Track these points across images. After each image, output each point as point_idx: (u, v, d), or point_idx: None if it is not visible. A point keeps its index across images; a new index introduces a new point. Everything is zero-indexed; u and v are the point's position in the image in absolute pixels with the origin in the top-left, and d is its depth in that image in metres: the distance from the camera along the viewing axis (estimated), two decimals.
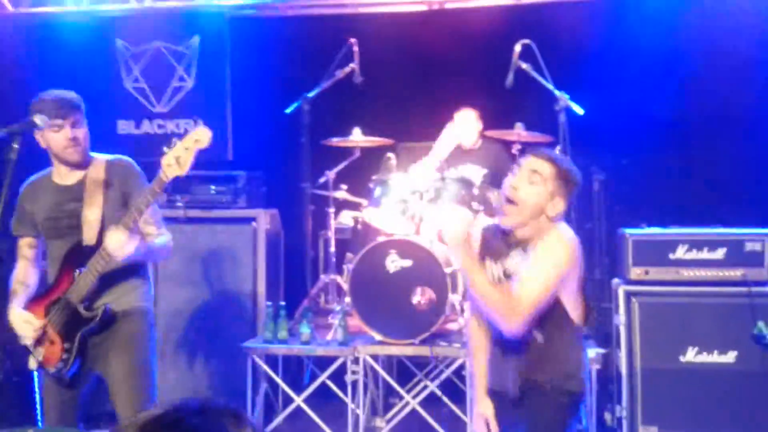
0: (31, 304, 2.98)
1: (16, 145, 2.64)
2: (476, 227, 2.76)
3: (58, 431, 2.94)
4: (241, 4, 5.89)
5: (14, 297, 2.98)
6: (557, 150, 4.58)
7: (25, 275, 3.05)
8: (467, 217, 2.48)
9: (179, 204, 5.06)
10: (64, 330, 2.92)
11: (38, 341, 2.91)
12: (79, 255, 2.91)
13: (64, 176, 3.03)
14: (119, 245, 2.76)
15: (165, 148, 2.72)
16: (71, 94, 2.98)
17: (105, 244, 2.79)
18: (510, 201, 2.55)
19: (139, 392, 2.95)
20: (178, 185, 5.11)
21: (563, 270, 2.49)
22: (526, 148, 4.97)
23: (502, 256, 2.60)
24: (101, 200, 2.95)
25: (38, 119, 2.78)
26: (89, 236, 2.92)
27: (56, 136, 2.92)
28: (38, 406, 3.09)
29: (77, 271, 2.90)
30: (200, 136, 2.70)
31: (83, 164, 2.99)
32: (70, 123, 2.92)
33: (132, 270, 3.01)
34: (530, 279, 2.47)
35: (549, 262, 2.48)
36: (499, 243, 2.63)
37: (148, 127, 6.10)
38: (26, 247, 3.08)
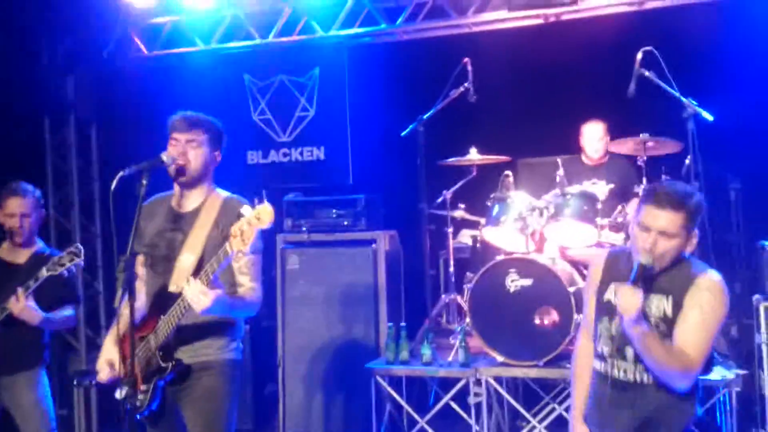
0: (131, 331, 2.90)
1: (144, 181, 2.73)
2: (598, 257, 2.76)
3: None
4: (358, 33, 6.04)
5: (115, 324, 2.95)
6: (687, 160, 4.35)
7: (136, 295, 3.00)
8: (640, 292, 2.46)
9: (303, 228, 5.23)
10: (144, 372, 2.89)
11: (127, 374, 2.77)
12: (165, 300, 2.86)
13: (180, 202, 3.01)
14: (196, 297, 2.70)
15: (243, 210, 2.63)
16: (205, 118, 2.98)
17: (183, 294, 2.74)
18: (651, 268, 2.51)
19: None
20: (301, 210, 5.31)
21: (722, 321, 2.54)
22: (651, 161, 4.79)
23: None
24: (203, 242, 2.90)
25: (165, 157, 2.86)
26: (177, 283, 2.83)
27: (171, 150, 2.91)
28: None
29: (161, 316, 2.87)
30: (263, 214, 2.58)
31: (190, 185, 2.96)
32: (185, 139, 2.91)
33: (215, 322, 2.91)
34: (703, 339, 2.49)
35: (713, 320, 2.51)
36: (627, 270, 2.56)
37: (274, 156, 6.38)
38: (140, 265, 3.04)
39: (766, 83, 4.99)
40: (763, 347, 3.76)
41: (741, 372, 3.89)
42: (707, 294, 2.49)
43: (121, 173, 2.72)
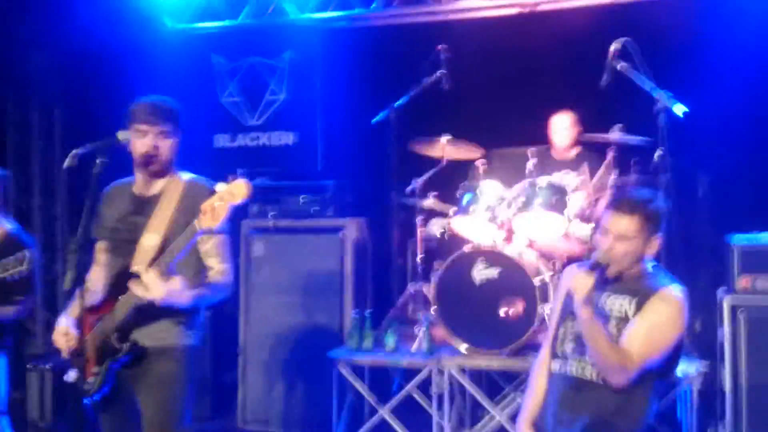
0: (87, 312, 2.85)
1: (100, 161, 2.68)
2: (570, 268, 2.85)
3: None
4: (332, 17, 5.95)
5: (72, 303, 2.90)
6: (657, 154, 4.33)
7: (94, 281, 2.98)
8: (592, 277, 2.54)
9: (270, 214, 5.14)
10: (97, 353, 2.82)
11: (78, 354, 2.79)
12: (125, 280, 2.79)
13: (142, 187, 2.98)
14: (150, 289, 2.67)
15: (217, 186, 2.59)
16: (167, 103, 2.92)
17: (137, 284, 2.70)
18: (606, 266, 2.59)
19: None
20: (268, 195, 5.22)
21: (677, 336, 2.60)
22: (623, 152, 4.77)
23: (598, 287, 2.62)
24: (166, 225, 2.85)
25: (121, 135, 2.80)
26: (139, 263, 2.78)
27: (138, 141, 2.86)
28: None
29: (120, 297, 2.81)
30: (236, 190, 2.54)
31: (160, 174, 2.94)
32: (156, 131, 2.86)
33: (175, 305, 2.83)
34: (648, 344, 2.55)
35: (665, 332, 2.57)
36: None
37: (242, 140, 6.26)
38: (101, 251, 3.02)
39: (738, 78, 4.98)
40: (725, 342, 3.75)
41: (703, 366, 3.89)
42: (668, 306, 2.59)
43: (74, 151, 2.66)
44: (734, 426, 3.71)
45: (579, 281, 2.54)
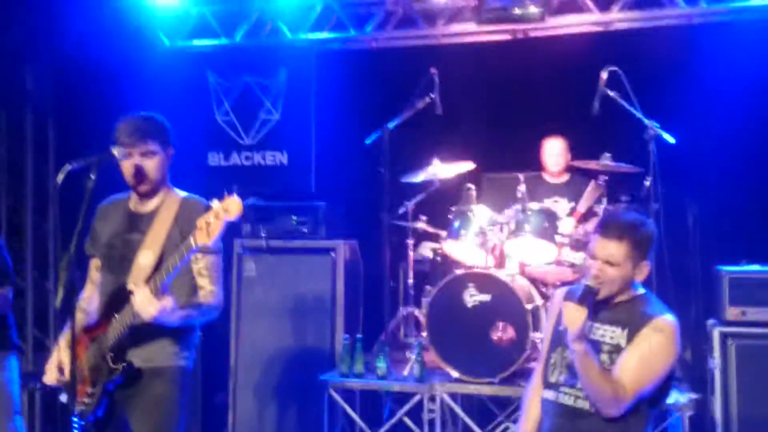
0: (82, 332, 2.86)
1: (93, 176, 2.64)
2: (560, 291, 2.82)
3: None
4: (327, 38, 5.98)
5: (67, 325, 2.81)
6: (647, 182, 4.38)
7: (88, 300, 2.97)
8: (584, 312, 2.52)
9: (262, 234, 5.13)
10: (92, 374, 2.81)
11: (72, 377, 2.71)
12: (120, 299, 2.77)
13: (137, 203, 2.95)
14: (143, 306, 2.64)
15: (212, 202, 2.57)
16: (152, 119, 2.88)
17: (131, 301, 2.69)
18: (596, 291, 2.57)
19: None
20: (261, 215, 5.21)
21: (670, 364, 2.58)
22: (613, 180, 4.82)
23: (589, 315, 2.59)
24: (161, 243, 2.83)
25: (116, 151, 2.76)
26: (136, 282, 2.76)
27: (123, 162, 2.82)
28: None
29: (115, 316, 2.79)
30: (231, 207, 2.51)
31: (150, 194, 2.90)
32: (139, 152, 2.82)
33: (170, 326, 2.80)
34: (641, 375, 2.53)
35: (659, 361, 2.55)
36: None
37: (236, 159, 6.26)
38: (94, 269, 2.99)
39: (729, 109, 5.05)
40: (716, 372, 3.78)
41: (694, 396, 3.92)
42: (660, 335, 2.56)
43: (67, 166, 2.63)
44: None
45: (571, 314, 2.50)
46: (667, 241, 4.02)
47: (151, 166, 2.87)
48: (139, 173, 2.84)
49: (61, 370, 2.84)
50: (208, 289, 2.87)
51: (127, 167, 2.84)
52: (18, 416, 3.76)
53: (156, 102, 5.80)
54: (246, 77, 6.25)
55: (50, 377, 2.86)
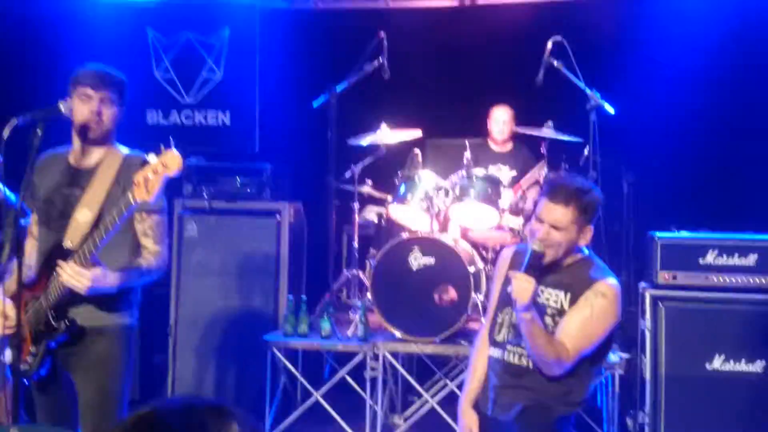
0: (24, 289, 2.71)
1: (39, 131, 2.59)
2: (507, 251, 2.89)
3: (41, 429, 2.81)
4: None
5: (8, 278, 2.76)
6: (586, 151, 4.51)
7: (28, 255, 2.85)
8: (533, 282, 2.56)
9: (204, 194, 5.06)
10: (34, 333, 2.74)
11: (15, 333, 2.66)
12: (58, 257, 2.69)
13: (78, 157, 2.87)
14: (72, 282, 2.59)
15: (149, 156, 2.48)
16: (115, 73, 2.85)
17: (59, 274, 2.62)
18: (542, 255, 2.62)
19: (104, 419, 2.76)
20: (204, 176, 5.14)
21: (612, 326, 2.66)
22: (554, 147, 4.95)
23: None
24: (101, 198, 2.76)
25: (62, 106, 2.70)
26: (73, 239, 2.71)
27: (81, 106, 2.76)
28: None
29: (54, 274, 2.69)
30: (170, 161, 2.44)
31: (98, 142, 2.83)
32: (99, 97, 2.77)
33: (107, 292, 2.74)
34: (582, 337, 2.61)
35: (600, 324, 2.62)
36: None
37: (176, 117, 6.12)
38: (35, 223, 2.91)
39: (666, 80, 5.24)
40: (647, 333, 3.96)
41: (624, 355, 4.11)
42: (602, 299, 2.62)
43: (14, 120, 2.55)
44: (653, 414, 3.91)
45: (520, 285, 2.54)
46: (602, 208, 4.15)
47: (108, 114, 2.81)
48: (98, 118, 2.78)
49: (5, 317, 2.73)
50: (152, 249, 2.83)
51: (83, 111, 2.77)
52: None
53: (93, 56, 5.60)
54: (187, 34, 6.08)
55: None
